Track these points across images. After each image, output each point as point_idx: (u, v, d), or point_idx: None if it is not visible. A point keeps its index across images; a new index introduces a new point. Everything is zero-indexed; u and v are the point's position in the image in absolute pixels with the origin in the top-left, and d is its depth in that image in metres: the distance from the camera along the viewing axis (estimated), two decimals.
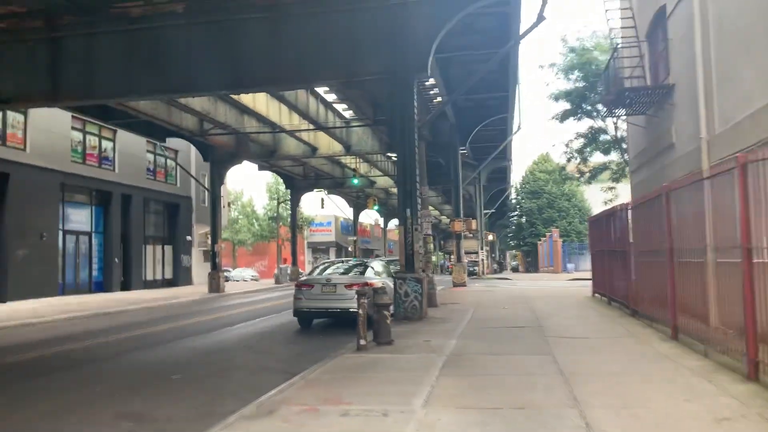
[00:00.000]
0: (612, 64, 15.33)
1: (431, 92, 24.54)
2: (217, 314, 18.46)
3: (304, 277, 15.24)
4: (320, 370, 7.99)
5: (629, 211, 12.81)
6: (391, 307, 11.76)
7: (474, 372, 7.51)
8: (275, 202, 52.51)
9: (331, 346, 10.52)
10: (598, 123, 25.51)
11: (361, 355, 9.02)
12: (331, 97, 25.37)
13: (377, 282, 13.14)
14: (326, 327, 14.19)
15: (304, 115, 24.71)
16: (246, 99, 23.11)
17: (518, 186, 70.52)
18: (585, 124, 26.74)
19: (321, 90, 24.74)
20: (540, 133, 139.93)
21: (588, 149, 27.30)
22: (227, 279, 47.31)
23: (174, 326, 15.28)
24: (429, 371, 7.48)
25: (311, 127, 26.48)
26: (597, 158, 29.20)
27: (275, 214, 53.39)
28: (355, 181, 39.01)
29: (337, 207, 54.28)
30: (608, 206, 28.17)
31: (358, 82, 14.95)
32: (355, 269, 14.78)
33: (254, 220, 65.47)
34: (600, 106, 24.80)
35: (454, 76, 23.73)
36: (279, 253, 49.23)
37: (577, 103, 25.04)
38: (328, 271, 14.92)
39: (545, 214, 66.44)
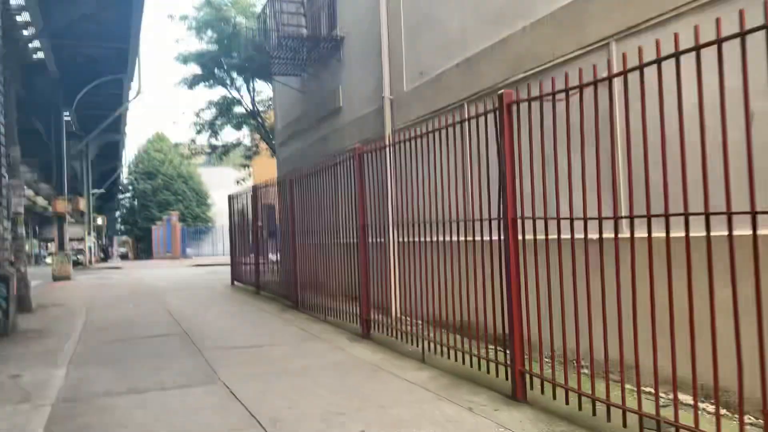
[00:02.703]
0: (267, 14, 13.01)
1: (25, 32, 18.96)
2: None
3: None
4: None
5: (292, 184, 10.76)
6: None
7: None
8: None
9: None
10: (233, 93, 23.24)
11: None
12: None
13: None
14: None
15: None
16: None
17: (131, 166, 65.32)
18: (218, 93, 24.17)
19: None
20: (164, 106, 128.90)
21: (219, 121, 24.76)
22: None
23: None
24: None
25: None
26: (228, 137, 26.93)
27: None
28: None
29: None
30: (241, 186, 26.40)
31: None
32: None
33: None
34: (235, 74, 22.63)
35: (61, 18, 18.72)
36: None
37: (210, 68, 22.21)
38: None
39: (160, 196, 62.52)
